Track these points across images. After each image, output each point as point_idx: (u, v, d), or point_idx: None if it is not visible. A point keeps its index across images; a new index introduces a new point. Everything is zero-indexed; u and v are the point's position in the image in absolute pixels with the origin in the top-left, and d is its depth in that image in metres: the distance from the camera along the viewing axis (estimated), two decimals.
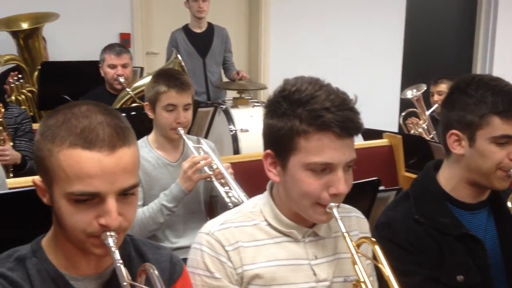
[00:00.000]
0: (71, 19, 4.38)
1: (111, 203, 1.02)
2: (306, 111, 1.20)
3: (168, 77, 2.29)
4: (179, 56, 3.34)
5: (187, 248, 2.21)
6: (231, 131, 3.94)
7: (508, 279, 1.56)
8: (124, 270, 1.02)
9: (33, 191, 1.14)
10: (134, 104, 3.20)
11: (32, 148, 2.98)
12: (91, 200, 1.02)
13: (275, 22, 5.39)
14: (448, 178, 1.58)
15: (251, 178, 2.33)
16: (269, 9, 5.34)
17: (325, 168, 1.22)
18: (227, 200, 2.15)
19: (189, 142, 2.32)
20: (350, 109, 1.22)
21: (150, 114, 2.32)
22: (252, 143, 3.88)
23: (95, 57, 3.69)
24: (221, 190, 2.18)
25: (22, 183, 2.11)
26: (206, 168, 2.20)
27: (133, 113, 2.67)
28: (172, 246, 2.26)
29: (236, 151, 3.87)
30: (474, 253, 1.51)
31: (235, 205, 2.10)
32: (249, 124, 4.01)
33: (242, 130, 3.96)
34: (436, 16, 6.39)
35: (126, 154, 1.04)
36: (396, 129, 5.28)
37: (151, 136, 2.38)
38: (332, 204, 1.23)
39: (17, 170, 2.81)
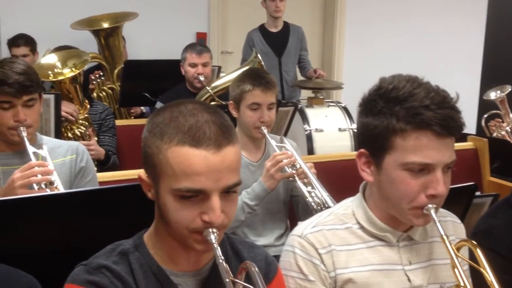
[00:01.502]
0: (149, 18, 4.51)
1: (215, 201, 1.03)
2: (404, 109, 1.18)
3: (253, 76, 2.30)
4: (259, 55, 3.35)
5: (266, 247, 2.24)
6: (306, 130, 3.92)
7: None
8: (226, 267, 1.03)
9: (135, 186, 1.17)
10: (212, 103, 3.24)
11: (115, 143, 3.08)
12: (195, 196, 1.03)
13: (350, 23, 5.34)
14: None
15: (331, 178, 2.31)
16: (344, 9, 5.31)
17: (423, 168, 1.19)
18: (310, 200, 2.13)
19: (273, 141, 2.32)
20: (451, 108, 1.19)
21: (234, 113, 2.33)
22: (327, 143, 3.86)
23: (172, 56, 3.78)
24: (304, 189, 2.16)
25: (109, 177, 2.18)
26: (288, 168, 2.19)
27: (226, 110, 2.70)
28: None
29: (311, 151, 3.85)
30: None
31: (318, 205, 2.09)
32: (324, 124, 3.99)
33: (317, 130, 3.93)
34: None
35: (230, 152, 1.05)
36: (474, 132, 5.10)
37: None
38: (430, 205, 1.20)
39: (101, 165, 2.90)
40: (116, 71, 4.03)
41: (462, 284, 1.16)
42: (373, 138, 1.23)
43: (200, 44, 3.67)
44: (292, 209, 2.44)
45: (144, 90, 3.58)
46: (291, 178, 2.20)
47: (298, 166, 2.20)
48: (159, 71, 3.68)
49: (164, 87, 3.51)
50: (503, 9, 5.97)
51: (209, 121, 1.04)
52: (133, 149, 2.87)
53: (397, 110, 1.18)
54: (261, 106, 2.27)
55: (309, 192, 2.14)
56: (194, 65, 3.42)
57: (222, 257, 1.04)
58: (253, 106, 2.27)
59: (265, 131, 2.28)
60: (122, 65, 3.78)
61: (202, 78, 3.38)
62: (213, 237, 1.04)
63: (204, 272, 1.16)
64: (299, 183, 2.18)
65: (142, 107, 4.00)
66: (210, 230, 1.04)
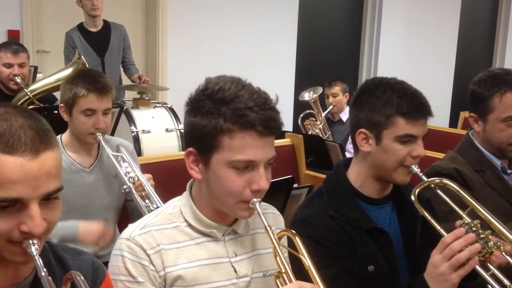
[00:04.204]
0: None
1: (35, 209, 0.98)
2: (230, 110, 1.23)
3: (88, 79, 2.16)
4: (82, 57, 3.22)
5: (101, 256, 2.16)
6: (133, 132, 3.86)
7: (410, 267, 1.68)
8: (49, 279, 0.99)
9: None
10: (31, 106, 3.04)
11: None
12: (12, 206, 0.97)
13: (172, 23, 5.33)
14: (356, 175, 1.67)
15: (160, 179, 2.31)
16: (166, 6, 5.27)
17: (248, 166, 1.25)
18: (147, 213, 2.08)
19: (110, 151, 2.21)
20: (272, 109, 1.27)
21: (65, 117, 2.19)
22: (155, 144, 3.86)
23: None
24: (142, 204, 2.08)
25: None
26: (126, 179, 2.12)
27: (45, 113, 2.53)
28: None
29: (138, 152, 3.77)
30: (381, 245, 1.60)
31: None
32: (151, 125, 3.97)
33: (143, 131, 3.89)
34: (326, 20, 6.65)
35: (50, 158, 1.00)
36: (291, 129, 5.45)
37: (65, 138, 2.25)
38: (254, 199, 1.27)
39: None
40: None
41: (283, 270, 1.23)
42: (201, 137, 1.26)
43: (15, 43, 3.43)
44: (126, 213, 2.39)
45: None
46: (127, 189, 2.12)
47: (135, 178, 2.12)
48: None
49: None
50: (312, 17, 6.43)
51: (24, 126, 0.98)
52: None
53: (224, 110, 1.23)
54: (96, 112, 2.15)
55: (147, 207, 2.07)
56: (9, 66, 3.19)
57: (45, 269, 0.99)
58: (87, 112, 2.15)
59: (100, 137, 2.17)
60: None
61: (18, 80, 3.16)
62: (33, 249, 0.98)
63: (25, 286, 1.08)
64: (137, 197, 2.09)
65: None
66: (31, 241, 0.98)
